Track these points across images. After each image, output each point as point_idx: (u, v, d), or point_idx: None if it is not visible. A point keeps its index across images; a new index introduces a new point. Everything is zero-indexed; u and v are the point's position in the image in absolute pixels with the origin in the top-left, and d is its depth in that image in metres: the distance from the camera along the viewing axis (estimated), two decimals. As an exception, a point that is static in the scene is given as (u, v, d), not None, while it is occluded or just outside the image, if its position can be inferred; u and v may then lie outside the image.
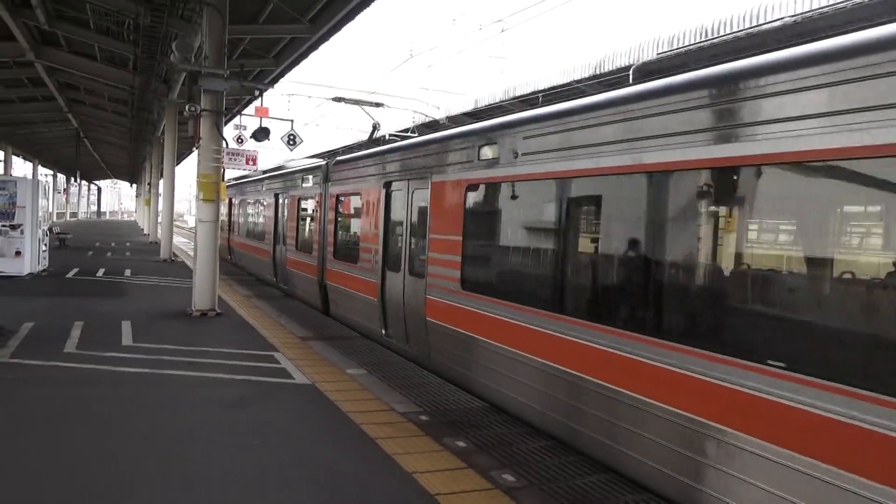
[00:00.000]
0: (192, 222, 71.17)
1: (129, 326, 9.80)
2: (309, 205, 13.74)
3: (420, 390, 7.13)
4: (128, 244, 30.31)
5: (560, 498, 4.56)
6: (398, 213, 9.20)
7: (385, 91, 27.54)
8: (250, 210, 20.23)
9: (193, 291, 11.44)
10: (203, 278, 11.33)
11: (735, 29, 14.83)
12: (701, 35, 15.72)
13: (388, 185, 9.52)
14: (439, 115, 27.75)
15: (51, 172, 60.98)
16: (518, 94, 21.97)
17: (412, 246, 8.73)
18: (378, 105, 13.15)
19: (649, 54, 16.25)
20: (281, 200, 15.92)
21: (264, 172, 19.96)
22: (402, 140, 11.57)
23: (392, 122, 31.09)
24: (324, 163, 12.90)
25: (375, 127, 14.03)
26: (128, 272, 17.78)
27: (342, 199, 11.65)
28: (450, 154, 7.76)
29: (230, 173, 19.60)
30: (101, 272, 17.37)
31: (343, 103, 13.29)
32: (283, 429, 5.68)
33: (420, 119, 28.58)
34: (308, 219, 13.87)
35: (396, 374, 7.83)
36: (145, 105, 24.30)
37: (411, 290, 8.63)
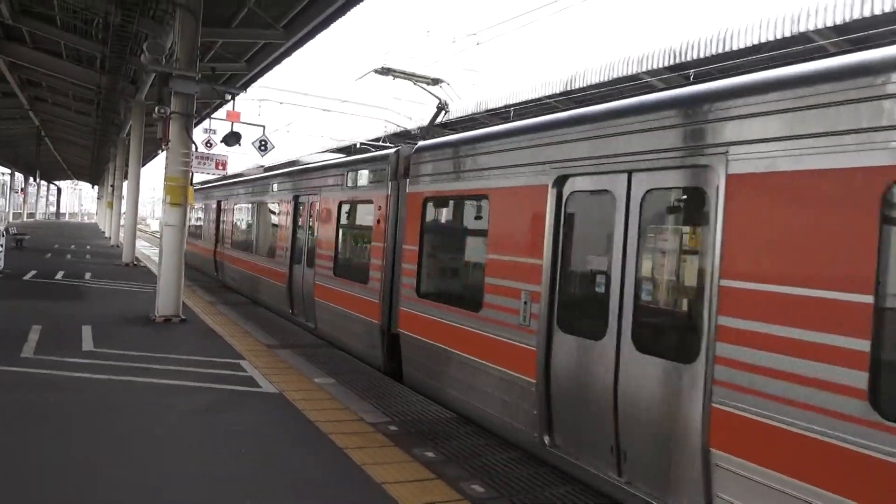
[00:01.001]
0: (155, 226, 69.78)
1: (90, 331, 9.55)
2: (361, 212, 9.91)
3: (389, 400, 7.10)
4: (88, 247, 29.55)
5: (529, 509, 4.58)
6: (588, 228, 5.48)
7: (357, 100, 27.46)
8: (251, 217, 16.26)
9: (157, 296, 11.21)
10: (167, 283, 11.11)
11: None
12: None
13: (561, 184, 5.57)
14: (411, 125, 27.83)
15: (8, 171, 59.22)
16: (490, 107, 22.20)
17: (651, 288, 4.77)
18: (437, 82, 10.03)
19: (620, 72, 16.60)
20: (305, 205, 11.95)
21: (268, 169, 17.77)
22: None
23: (362, 130, 31.12)
24: (391, 152, 8.97)
25: (443, 108, 10.20)
26: (88, 275, 17.33)
27: (439, 204, 7.72)
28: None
29: (201, 177, 17.82)
30: (60, 275, 16.89)
31: (391, 76, 9.84)
32: (250, 438, 5.60)
33: (392, 129, 28.65)
34: (357, 233, 10.09)
35: (365, 383, 7.78)
36: (111, 105, 23.84)
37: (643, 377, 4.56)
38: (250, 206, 16.22)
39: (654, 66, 15.74)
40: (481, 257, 6.61)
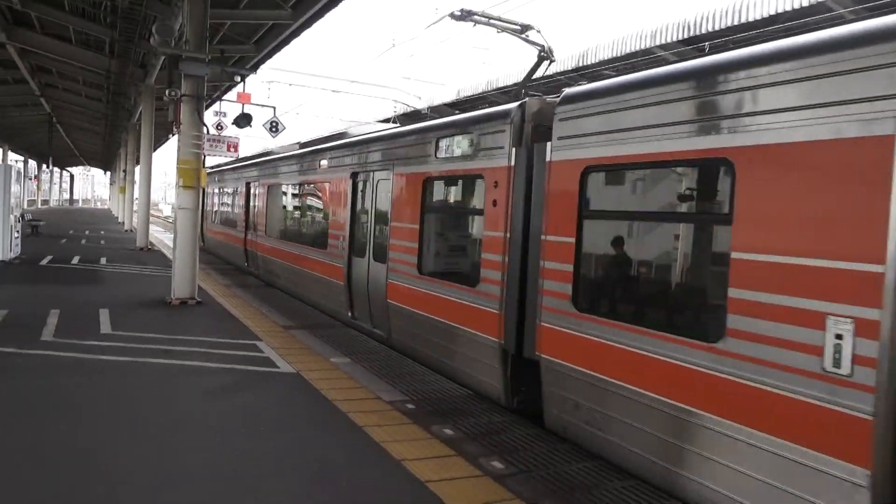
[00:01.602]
0: (167, 211, 70.01)
1: (108, 314, 9.63)
2: (461, 190, 7.87)
3: (406, 379, 7.11)
4: (102, 232, 29.77)
5: (549, 484, 4.59)
6: None
7: (366, 80, 27.30)
8: (292, 200, 14.26)
9: (173, 279, 11.28)
10: (182, 266, 11.17)
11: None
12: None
13: None
14: (421, 104, 27.66)
15: (21, 158, 59.61)
16: (499, 85, 21.99)
17: None
18: (526, 28, 7.95)
19: (632, 47, 16.35)
20: (370, 183, 9.67)
21: (305, 144, 15.11)
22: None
23: (371, 111, 30.99)
24: (511, 107, 6.43)
25: (546, 57, 8.03)
26: (103, 260, 17.46)
27: (615, 175, 5.38)
28: None
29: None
30: (75, 260, 17.03)
31: (471, 21, 7.82)
32: (270, 418, 5.63)
33: (401, 108, 28.47)
34: (456, 218, 8.11)
35: (381, 362, 7.80)
36: (121, 90, 23.84)
37: None
38: (291, 186, 13.91)
39: (668, 40, 15.49)
40: (717, 256, 4.39)
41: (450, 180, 7.81)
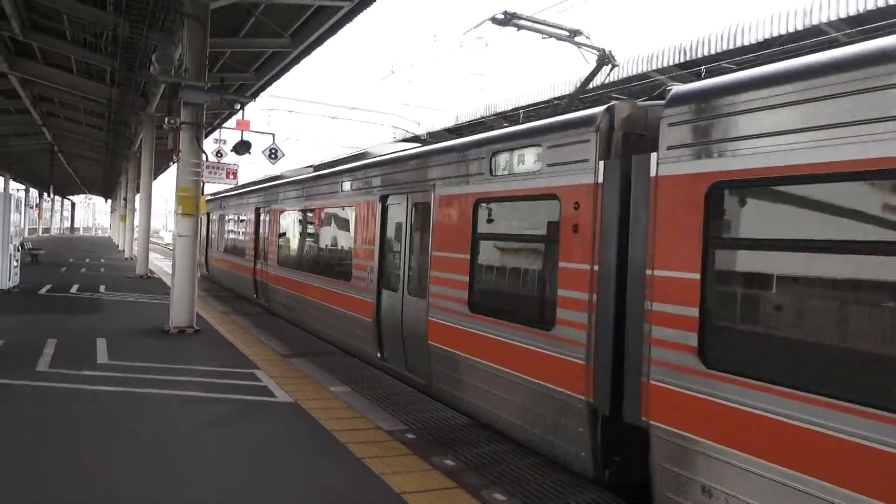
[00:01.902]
0: (168, 238, 70.09)
1: (105, 344, 9.53)
2: (524, 213, 6.34)
3: (406, 409, 6.99)
4: (102, 260, 29.74)
5: (553, 517, 4.45)
6: None
7: (365, 106, 27.50)
8: (308, 227, 12.75)
9: (171, 308, 11.19)
10: (181, 294, 11.09)
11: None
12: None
13: None
14: (419, 130, 27.82)
15: (23, 187, 59.88)
16: (499, 110, 22.13)
17: None
18: (575, 34, 7.48)
19: (629, 71, 16.46)
20: (403, 207, 8.43)
21: (320, 167, 13.43)
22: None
23: (370, 137, 31.14)
24: (597, 111, 5.38)
25: (607, 61, 7.42)
26: (102, 288, 17.38)
27: (762, 191, 4.02)
28: None
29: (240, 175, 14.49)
30: (74, 288, 16.96)
31: (514, 26, 7.36)
32: (267, 448, 5.51)
33: (401, 134, 28.63)
34: (520, 247, 6.47)
35: (381, 391, 7.68)
36: (122, 118, 23.99)
37: None
38: (307, 212, 12.58)
39: (665, 65, 15.61)
40: None
41: (510, 202, 6.38)
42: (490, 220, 6.70)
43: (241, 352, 9.64)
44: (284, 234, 14.14)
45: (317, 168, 13.71)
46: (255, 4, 13.18)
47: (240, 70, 17.85)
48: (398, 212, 8.59)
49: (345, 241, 10.56)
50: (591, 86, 17.06)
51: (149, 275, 21.80)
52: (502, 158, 6.47)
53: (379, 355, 8.85)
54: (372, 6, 12.36)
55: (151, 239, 27.86)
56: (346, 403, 7.02)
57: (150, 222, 23.67)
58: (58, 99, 24.23)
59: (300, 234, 13.31)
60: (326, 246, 11.75)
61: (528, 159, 6.08)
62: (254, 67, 17.90)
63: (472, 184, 6.84)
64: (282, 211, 14.20)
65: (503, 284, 6.60)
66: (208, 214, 23.32)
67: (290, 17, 14.07)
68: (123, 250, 34.62)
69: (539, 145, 5.96)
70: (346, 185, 10.47)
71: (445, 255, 7.21)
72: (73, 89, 21.00)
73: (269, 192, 15.56)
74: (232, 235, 19.94)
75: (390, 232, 8.83)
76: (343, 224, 10.74)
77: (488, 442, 5.99)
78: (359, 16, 12.87)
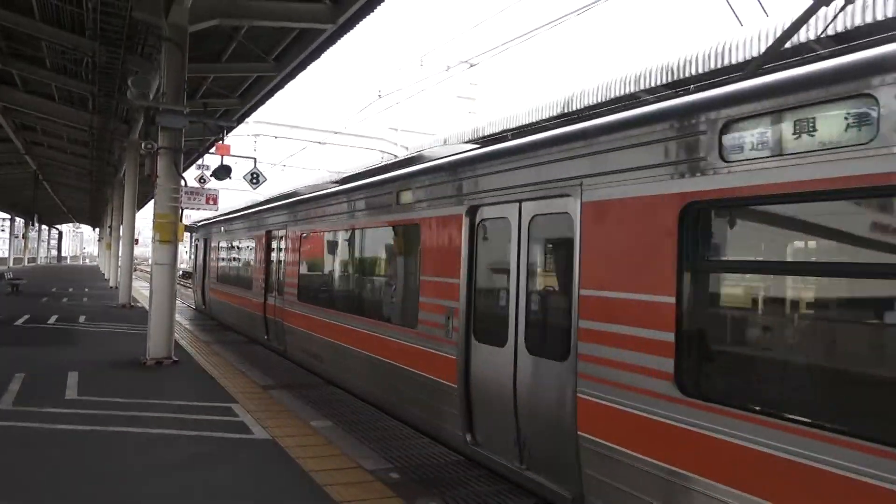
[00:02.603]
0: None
1: (76, 378, 9.07)
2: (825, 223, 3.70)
3: (390, 444, 6.59)
4: (86, 290, 29.16)
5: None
6: None
7: (353, 131, 27.36)
8: (345, 253, 10.08)
9: (148, 338, 10.75)
10: (158, 324, 10.67)
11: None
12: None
13: None
14: (407, 155, 27.66)
15: (8, 217, 59.28)
16: (486, 133, 21.99)
17: None
18: None
19: (617, 91, 16.35)
20: (516, 227, 5.83)
21: (351, 178, 11.10)
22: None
23: (357, 162, 30.99)
24: None
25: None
26: (82, 318, 16.88)
27: None
28: None
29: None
30: (52, 319, 16.45)
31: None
32: (239, 494, 5.10)
33: (388, 159, 28.48)
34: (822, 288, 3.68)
35: (364, 425, 7.28)
36: (105, 146, 23.72)
37: None
38: (340, 233, 9.96)
39: (653, 84, 15.49)
40: None
41: (769, 205, 3.77)
42: (723, 238, 4.14)
43: (220, 384, 9.21)
44: (308, 261, 11.27)
45: (347, 179, 11.12)
46: (236, 28, 12.99)
47: (223, 95, 17.63)
48: (501, 231, 5.95)
49: (401, 271, 8.10)
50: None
51: (132, 304, 21.28)
52: (751, 134, 3.75)
53: (470, 438, 6.20)
54: (356, 28, 12.21)
55: (139, 267, 27.36)
56: (327, 440, 6.61)
57: (134, 250, 23.14)
58: (40, 127, 23.94)
59: (333, 262, 10.37)
60: (374, 278, 9.01)
61: (833, 128, 3.41)
62: (238, 93, 17.69)
63: (680, 177, 4.12)
64: (305, 233, 11.22)
65: (766, 348, 3.92)
66: (204, 240, 20.78)
67: (273, 41, 13.89)
68: (109, 279, 34.04)
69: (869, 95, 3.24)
70: (407, 196, 7.76)
71: (615, 295, 4.53)
72: (55, 117, 20.74)
73: (285, 210, 12.52)
74: (235, 263, 17.17)
75: (485, 259, 6.30)
76: (399, 249, 8.19)
77: (477, 481, 5.60)
78: (343, 38, 12.70)
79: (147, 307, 19.93)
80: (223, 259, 18.48)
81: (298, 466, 5.73)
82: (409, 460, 6.06)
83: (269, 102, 17.08)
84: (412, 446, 6.54)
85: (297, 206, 12.02)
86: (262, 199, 21.83)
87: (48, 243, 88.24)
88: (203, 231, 21.44)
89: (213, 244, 19.61)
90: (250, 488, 5.22)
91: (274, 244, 13.23)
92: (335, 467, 5.75)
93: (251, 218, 15.40)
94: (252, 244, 14.97)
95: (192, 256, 23.51)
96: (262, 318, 13.26)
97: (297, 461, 5.87)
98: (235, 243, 16.98)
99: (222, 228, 18.43)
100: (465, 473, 5.77)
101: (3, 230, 61.17)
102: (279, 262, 12.80)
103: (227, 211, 22.53)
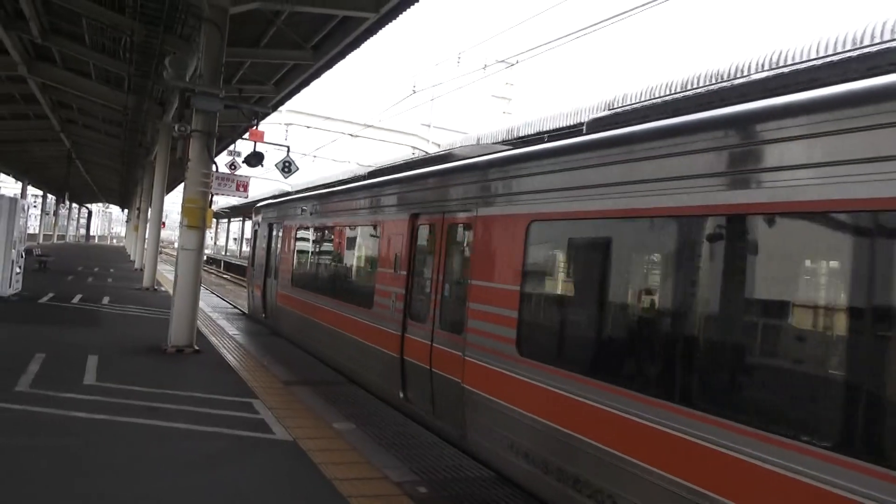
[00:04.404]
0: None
1: (96, 362, 8.87)
2: None
3: (416, 452, 6.23)
4: (111, 270, 29.32)
5: None
6: None
7: (385, 125, 27.10)
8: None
9: (170, 325, 10.53)
10: (182, 312, 10.44)
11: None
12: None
13: None
14: (439, 152, 27.34)
15: (40, 193, 60.21)
16: (521, 134, 21.54)
17: None
18: None
19: (663, 91, 15.81)
20: None
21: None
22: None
23: (389, 156, 30.73)
24: None
25: None
26: (106, 300, 16.82)
27: None
28: None
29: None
30: (77, 298, 16.40)
31: None
32: (256, 500, 4.77)
33: (420, 155, 28.19)
34: None
35: (388, 429, 6.93)
36: (138, 127, 23.72)
37: None
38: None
39: (699, 86, 14.90)
40: None
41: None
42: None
43: (241, 377, 8.94)
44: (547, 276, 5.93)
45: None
46: (277, 13, 12.72)
47: (259, 82, 17.42)
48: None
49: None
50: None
51: (156, 287, 21.25)
52: None
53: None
54: (396, 20, 11.88)
55: (166, 250, 27.35)
56: (351, 445, 6.27)
57: (160, 233, 23.11)
58: (76, 105, 24.02)
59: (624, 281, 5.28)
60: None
61: None
62: (273, 80, 17.46)
63: None
64: (539, 216, 5.79)
65: None
66: (270, 226, 14.99)
67: (313, 29, 13.61)
68: (134, 260, 34.25)
69: None
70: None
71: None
72: (91, 95, 20.73)
73: (475, 176, 6.93)
74: (331, 263, 11.48)
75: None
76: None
77: (509, 499, 5.21)
78: (383, 29, 12.38)
79: (169, 291, 19.98)
80: (307, 254, 12.71)
81: (321, 473, 5.39)
82: (437, 473, 5.69)
83: (303, 92, 16.74)
84: (440, 456, 6.17)
85: (495, 167, 6.63)
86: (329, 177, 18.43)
87: (77, 222, 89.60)
88: (269, 212, 15.43)
89: (286, 231, 13.71)
90: (271, 493, 4.89)
91: (427, 238, 7.83)
92: (359, 476, 5.40)
93: (368, 195, 9.87)
94: (371, 237, 9.52)
95: (251, 246, 17.37)
96: (398, 362, 7.93)
97: (320, 466, 5.53)
98: (331, 232, 11.54)
99: (306, 209, 12.66)
100: (497, 492, 5.38)
101: (35, 206, 62.12)
102: (447, 271, 7.25)
103: (308, 186, 17.65)
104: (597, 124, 5.86)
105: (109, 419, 6.36)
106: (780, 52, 13.08)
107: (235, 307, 20.21)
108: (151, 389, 7.65)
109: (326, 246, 11.95)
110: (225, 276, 46.58)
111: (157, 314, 14.83)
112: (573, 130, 18.66)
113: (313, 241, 12.48)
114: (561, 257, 5.63)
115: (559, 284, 5.65)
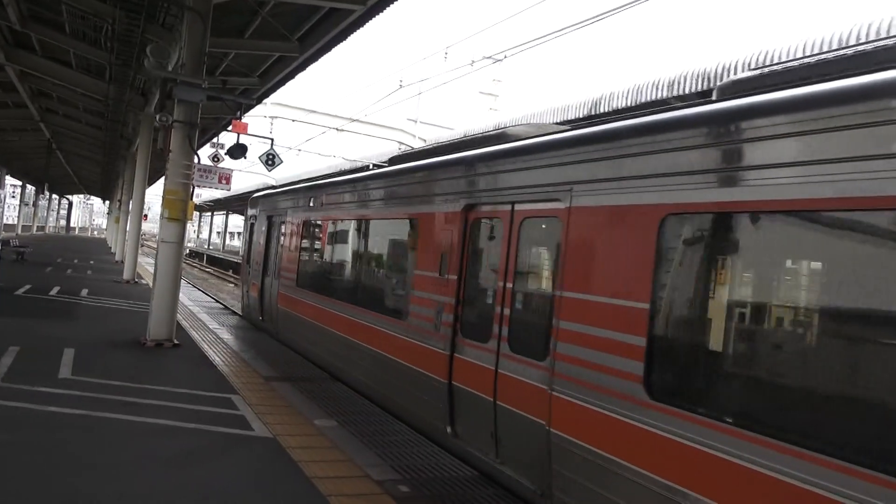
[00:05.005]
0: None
1: (72, 355, 8.69)
2: None
3: (398, 450, 6.16)
4: (92, 262, 28.89)
5: None
6: None
7: (371, 120, 26.94)
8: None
9: (149, 318, 10.36)
10: (161, 304, 10.27)
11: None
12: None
13: None
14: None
15: (19, 184, 59.25)
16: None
17: None
18: None
19: (648, 96, 15.82)
20: None
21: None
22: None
23: (374, 151, 30.58)
24: None
25: None
26: (85, 292, 16.54)
27: None
28: None
29: None
30: (55, 291, 16.11)
31: None
32: (235, 498, 4.67)
33: (405, 150, 28.06)
34: None
35: (370, 427, 6.84)
36: (119, 117, 23.34)
37: None
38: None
39: (686, 91, 14.97)
40: None
41: None
42: None
43: (221, 372, 8.81)
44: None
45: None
46: (262, 3, 12.55)
47: (243, 74, 17.19)
48: None
49: None
50: (596, 112, 16.06)
51: (136, 280, 20.96)
52: None
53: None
54: (384, 12, 11.74)
55: (147, 243, 26.99)
56: (332, 442, 6.18)
57: (141, 225, 22.80)
58: (56, 95, 23.59)
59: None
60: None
61: None
62: (258, 72, 17.24)
63: None
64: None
65: None
66: (269, 218, 13.68)
67: (299, 20, 13.43)
68: (115, 252, 33.79)
69: None
70: None
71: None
72: (71, 85, 20.36)
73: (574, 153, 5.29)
74: (350, 263, 9.84)
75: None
76: None
77: (494, 500, 5.16)
78: (370, 22, 12.25)
79: (150, 283, 19.70)
80: (317, 251, 11.23)
81: (301, 471, 5.30)
82: (420, 472, 5.62)
83: (288, 85, 16.51)
84: (421, 455, 6.10)
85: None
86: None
87: (57, 213, 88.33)
88: (269, 204, 14.08)
89: (291, 225, 12.22)
90: (250, 492, 4.79)
91: (488, 234, 6.32)
92: (340, 474, 5.32)
93: (400, 183, 8.19)
94: (405, 232, 7.95)
95: (245, 240, 15.91)
96: (444, 388, 6.40)
97: (300, 464, 5.44)
98: (350, 227, 9.88)
99: (317, 200, 11.09)
100: (480, 492, 5.32)
101: (13, 196, 61.16)
102: (521, 278, 5.75)
103: (318, 174, 15.58)
104: (736, 87, 4.38)
105: (85, 414, 6.22)
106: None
107: (218, 301, 19.99)
108: (129, 384, 7.50)
109: (343, 242, 10.27)
110: (208, 269, 46.17)
111: (136, 307, 14.61)
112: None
113: (325, 237, 10.85)
114: (730, 264, 3.96)
115: (723, 302, 3.87)
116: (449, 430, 6.32)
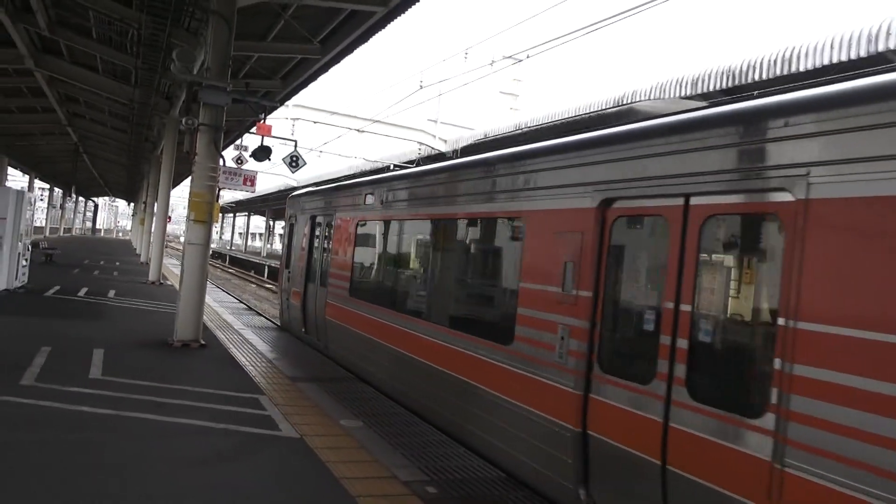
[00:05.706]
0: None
1: (101, 356, 8.81)
2: None
3: (426, 451, 6.15)
4: (117, 263, 29.33)
5: None
6: None
7: (391, 121, 27.02)
8: None
9: (176, 319, 10.48)
10: (188, 306, 10.39)
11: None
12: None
13: None
14: (446, 147, 27.16)
15: (47, 186, 60.37)
16: (529, 130, 21.38)
17: None
18: None
19: (673, 94, 15.64)
20: None
21: None
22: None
23: (395, 152, 30.66)
24: None
25: None
26: (112, 293, 16.79)
27: None
28: None
29: None
30: (83, 292, 16.37)
31: None
32: (262, 499, 4.70)
33: (426, 151, 28.05)
34: None
35: (396, 428, 6.85)
36: (145, 121, 23.68)
37: None
38: None
39: (710, 89, 14.79)
40: None
41: None
42: None
43: (247, 373, 8.88)
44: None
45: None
46: (285, 6, 12.64)
47: (266, 77, 17.35)
48: None
49: None
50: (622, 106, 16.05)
51: (161, 281, 21.24)
52: None
53: None
54: (405, 14, 11.76)
55: (171, 244, 27.44)
56: (359, 443, 6.20)
57: (166, 227, 23.09)
58: (83, 99, 24.02)
59: None
60: None
61: None
62: (280, 74, 17.39)
63: None
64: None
65: None
66: (312, 219, 12.23)
67: (321, 22, 13.52)
68: (140, 254, 34.27)
69: None
70: None
71: None
72: (97, 89, 20.71)
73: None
74: (425, 272, 8.47)
75: None
76: None
77: (524, 503, 5.13)
78: (391, 24, 12.28)
79: (175, 285, 19.95)
80: (377, 257, 9.83)
81: (329, 472, 5.31)
82: (447, 473, 5.61)
83: (310, 86, 16.58)
84: (449, 456, 6.09)
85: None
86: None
87: (84, 215, 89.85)
88: (312, 202, 12.62)
89: (341, 226, 10.78)
90: (278, 492, 4.82)
91: (641, 238, 5.06)
92: (367, 475, 5.33)
93: (496, 175, 6.70)
94: (504, 235, 6.71)
95: (284, 243, 14.46)
96: (574, 438, 5.01)
97: (327, 465, 5.46)
98: (421, 228, 8.48)
99: (376, 196, 9.58)
100: (509, 493, 5.30)
101: (42, 199, 62.33)
102: (705, 301, 4.28)
103: (372, 169, 14.53)
104: None
105: (115, 414, 6.30)
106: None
107: (241, 301, 20.18)
108: (157, 384, 7.59)
109: (412, 247, 8.83)
110: (230, 270, 46.65)
111: (162, 308, 14.80)
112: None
113: (388, 240, 9.36)
114: None
115: None
116: (582, 493, 4.88)
